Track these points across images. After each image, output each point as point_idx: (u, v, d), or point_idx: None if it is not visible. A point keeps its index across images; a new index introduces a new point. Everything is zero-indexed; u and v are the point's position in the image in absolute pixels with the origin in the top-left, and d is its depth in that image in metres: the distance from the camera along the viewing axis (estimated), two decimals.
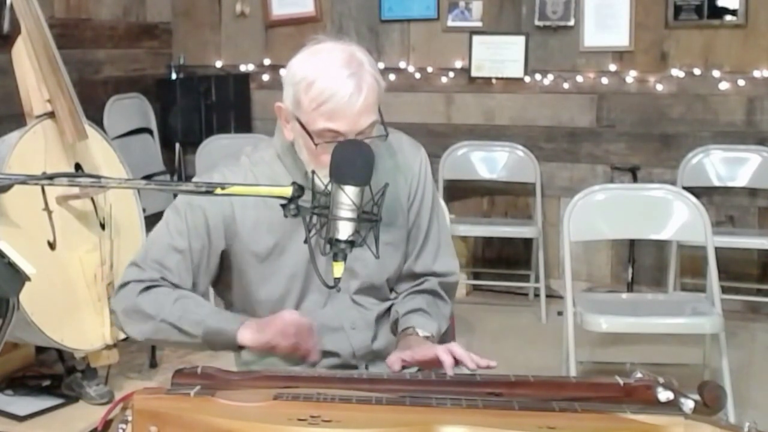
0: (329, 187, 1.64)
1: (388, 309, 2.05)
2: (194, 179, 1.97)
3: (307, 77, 1.80)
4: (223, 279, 2.00)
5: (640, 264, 4.73)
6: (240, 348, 1.85)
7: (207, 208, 1.91)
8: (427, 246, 2.06)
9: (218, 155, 5.00)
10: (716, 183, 4.57)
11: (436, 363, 1.78)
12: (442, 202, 2.27)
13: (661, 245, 4.64)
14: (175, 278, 1.92)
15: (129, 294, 1.92)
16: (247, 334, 1.82)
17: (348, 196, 1.61)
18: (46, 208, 3.11)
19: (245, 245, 1.93)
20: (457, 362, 1.77)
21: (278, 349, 1.82)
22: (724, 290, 3.87)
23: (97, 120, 4.17)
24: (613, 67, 4.81)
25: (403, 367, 1.82)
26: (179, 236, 1.92)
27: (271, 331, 1.80)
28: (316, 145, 1.79)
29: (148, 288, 1.91)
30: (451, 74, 5.06)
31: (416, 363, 1.82)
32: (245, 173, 1.93)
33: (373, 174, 1.73)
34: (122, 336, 3.32)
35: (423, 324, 1.95)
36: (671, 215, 3.46)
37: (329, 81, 1.77)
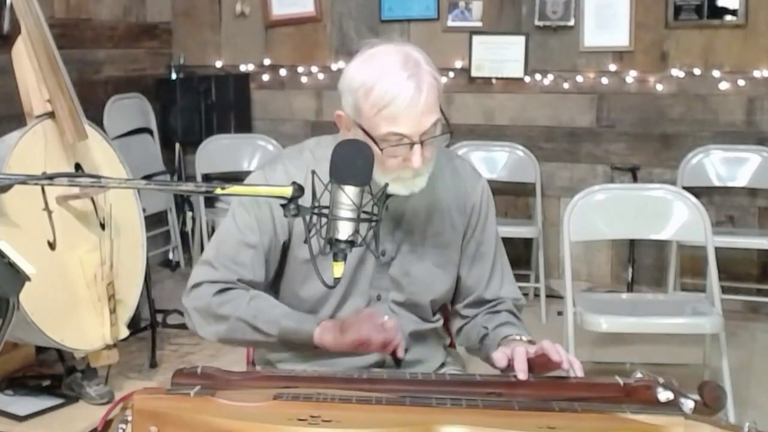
0: (329, 188, 1.64)
1: (431, 330, 2.05)
2: (257, 169, 1.96)
3: (365, 83, 1.78)
4: (277, 271, 2.01)
5: (640, 264, 4.74)
6: (315, 347, 1.85)
7: (272, 202, 1.89)
8: (494, 274, 2.06)
9: (218, 155, 5.02)
10: (716, 183, 4.57)
11: (548, 361, 1.73)
12: None
13: (661, 245, 4.64)
14: (250, 274, 1.92)
15: (203, 295, 1.92)
16: (328, 336, 1.82)
17: (348, 196, 1.61)
18: (46, 208, 3.11)
19: (298, 241, 1.93)
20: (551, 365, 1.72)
21: (367, 345, 1.79)
22: (724, 290, 3.87)
23: (97, 120, 4.17)
24: (613, 67, 4.81)
25: (508, 366, 1.77)
26: (250, 232, 1.92)
27: (357, 333, 1.78)
28: (381, 150, 1.77)
29: (223, 290, 1.91)
30: (451, 74, 5.06)
31: (531, 360, 1.75)
32: (308, 168, 1.91)
33: (432, 191, 1.78)
34: (122, 336, 3.33)
35: (519, 332, 1.93)
36: (671, 215, 3.46)
37: (388, 85, 1.76)
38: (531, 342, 1.87)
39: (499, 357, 1.76)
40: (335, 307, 1.95)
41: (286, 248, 1.96)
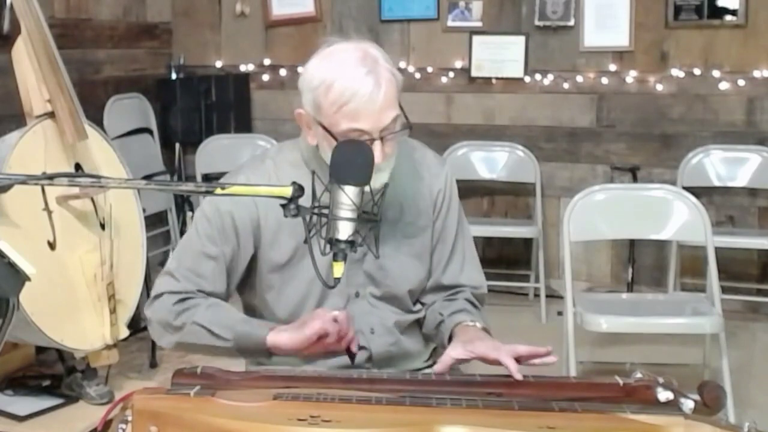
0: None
1: (415, 321, 2.05)
2: (221, 180, 1.97)
3: (324, 81, 1.79)
4: (248, 281, 2.01)
5: (640, 264, 4.73)
6: (270, 354, 1.86)
7: (235, 212, 1.91)
8: (453, 259, 2.07)
9: (218, 155, 5.02)
10: (716, 183, 4.57)
11: (496, 363, 1.75)
12: None
13: (661, 245, 4.64)
14: (210, 286, 1.93)
15: (163, 306, 1.93)
16: (283, 336, 1.82)
17: (348, 196, 1.61)
18: (46, 208, 3.11)
19: (267, 249, 1.94)
20: (519, 361, 1.74)
21: (320, 343, 1.80)
22: (724, 290, 3.86)
23: (97, 120, 4.17)
24: (613, 67, 4.81)
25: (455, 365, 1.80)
26: (210, 242, 1.93)
27: (312, 326, 1.79)
28: None
29: (182, 300, 1.92)
30: (451, 74, 5.06)
31: (476, 358, 1.80)
32: (269, 176, 1.93)
33: (396, 184, 1.77)
34: (122, 336, 3.33)
35: (473, 319, 1.95)
36: (671, 215, 3.46)
37: (348, 81, 1.76)
38: (485, 330, 1.92)
39: (447, 357, 1.79)
40: (314, 308, 1.93)
41: (253, 259, 1.96)
